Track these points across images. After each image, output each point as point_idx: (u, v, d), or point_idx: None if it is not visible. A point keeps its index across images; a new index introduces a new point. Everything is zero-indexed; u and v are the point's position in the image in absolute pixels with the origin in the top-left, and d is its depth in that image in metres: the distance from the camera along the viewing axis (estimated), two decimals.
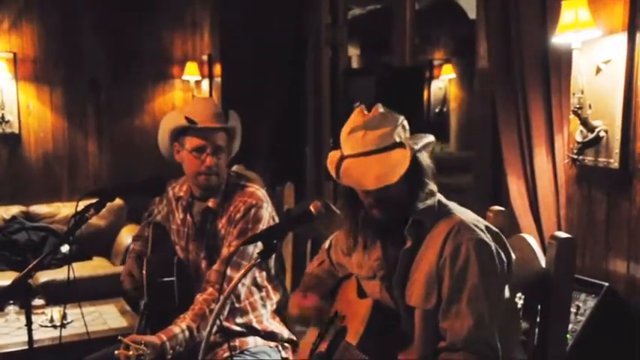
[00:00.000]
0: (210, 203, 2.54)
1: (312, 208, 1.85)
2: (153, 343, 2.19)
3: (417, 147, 1.75)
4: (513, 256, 1.76)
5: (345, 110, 4.56)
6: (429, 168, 1.80)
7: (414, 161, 1.75)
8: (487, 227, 1.76)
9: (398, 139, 1.76)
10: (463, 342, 1.65)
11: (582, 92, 2.49)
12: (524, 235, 1.95)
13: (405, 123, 1.82)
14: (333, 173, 1.81)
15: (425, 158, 1.80)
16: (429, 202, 1.80)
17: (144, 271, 2.50)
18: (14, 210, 5.48)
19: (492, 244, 1.71)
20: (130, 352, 2.11)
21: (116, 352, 2.14)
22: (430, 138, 1.81)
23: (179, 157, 2.55)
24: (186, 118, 2.47)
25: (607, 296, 2.42)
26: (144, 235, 2.79)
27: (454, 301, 1.68)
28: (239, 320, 2.53)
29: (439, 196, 1.84)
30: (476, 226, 1.73)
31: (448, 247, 1.71)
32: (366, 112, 1.80)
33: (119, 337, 2.16)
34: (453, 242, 1.71)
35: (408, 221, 1.78)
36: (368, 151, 1.75)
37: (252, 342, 2.52)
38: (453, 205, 1.84)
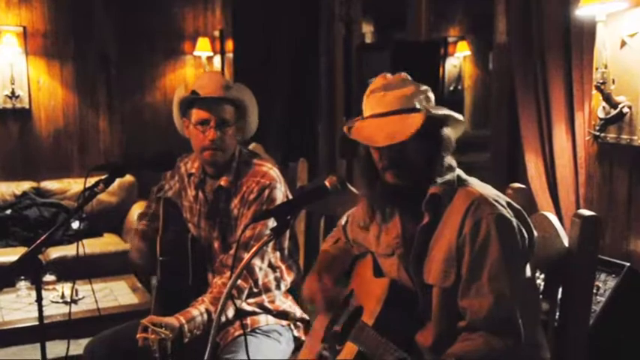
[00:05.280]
0: (223, 182, 2.49)
1: (327, 183, 1.80)
2: (172, 325, 2.17)
3: (434, 111, 1.71)
4: (536, 233, 1.70)
5: (359, 87, 4.49)
6: (449, 141, 1.76)
7: (433, 129, 1.72)
8: (508, 203, 1.70)
9: (417, 105, 1.72)
10: (483, 321, 1.60)
11: (606, 67, 2.41)
12: (545, 213, 1.89)
13: (430, 94, 1.79)
14: (346, 130, 1.80)
15: (447, 132, 1.76)
16: (448, 176, 1.74)
17: (157, 249, 2.47)
18: (25, 186, 5.49)
19: (514, 220, 1.65)
20: (152, 336, 2.09)
21: (138, 335, 2.13)
22: (456, 115, 1.76)
23: (187, 133, 2.50)
24: (191, 91, 2.42)
25: (628, 276, 2.36)
26: (149, 213, 2.75)
27: (474, 279, 1.63)
28: (251, 300, 2.49)
29: (459, 171, 1.78)
30: (496, 201, 1.67)
31: (468, 223, 1.65)
32: (389, 76, 1.79)
33: (141, 321, 2.15)
34: (472, 218, 1.65)
35: (426, 196, 1.72)
36: (385, 112, 1.73)
37: (264, 320, 2.49)
38: (472, 180, 1.78)
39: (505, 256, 1.61)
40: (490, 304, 1.60)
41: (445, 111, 1.75)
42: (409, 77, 1.81)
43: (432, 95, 1.79)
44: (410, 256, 1.76)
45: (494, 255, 1.62)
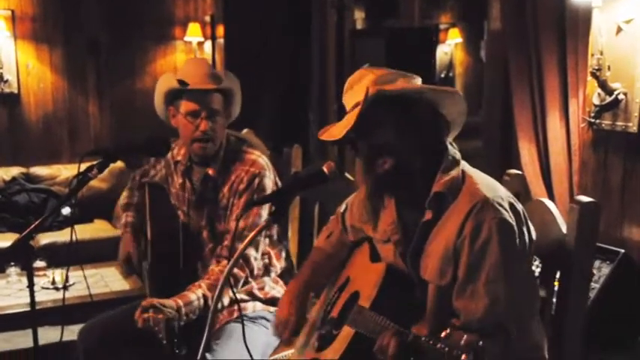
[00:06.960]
0: (210, 171, 2.47)
1: (325, 169, 1.78)
2: (171, 307, 2.18)
3: (389, 88, 1.66)
4: (534, 235, 1.67)
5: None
6: (426, 118, 1.70)
7: (402, 107, 1.67)
8: (511, 205, 1.65)
9: (370, 91, 1.66)
10: (477, 323, 1.58)
11: (601, 53, 2.41)
12: (543, 199, 1.88)
13: (395, 76, 1.72)
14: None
15: (425, 111, 1.70)
16: (453, 172, 1.69)
17: (148, 235, 2.45)
18: (14, 171, 5.43)
19: (515, 225, 1.61)
20: (160, 315, 2.11)
21: (137, 316, 2.13)
22: (427, 87, 1.70)
23: (175, 122, 2.47)
24: (178, 81, 2.38)
25: (622, 263, 2.37)
26: (133, 203, 2.71)
27: (471, 281, 1.61)
28: (241, 288, 2.47)
29: (463, 164, 1.73)
30: (500, 204, 1.63)
31: (469, 225, 1.61)
32: (357, 72, 1.76)
33: (142, 303, 2.16)
34: (474, 220, 1.61)
35: (430, 192, 1.68)
36: (348, 110, 1.73)
37: (251, 307, 2.48)
38: (477, 177, 1.71)
39: (504, 261, 1.59)
40: (485, 306, 1.58)
41: (409, 84, 1.70)
42: (369, 67, 1.76)
43: (396, 77, 1.72)
44: (409, 248, 1.74)
45: (492, 259, 1.59)
